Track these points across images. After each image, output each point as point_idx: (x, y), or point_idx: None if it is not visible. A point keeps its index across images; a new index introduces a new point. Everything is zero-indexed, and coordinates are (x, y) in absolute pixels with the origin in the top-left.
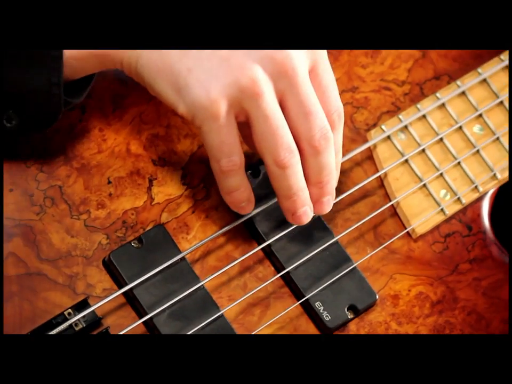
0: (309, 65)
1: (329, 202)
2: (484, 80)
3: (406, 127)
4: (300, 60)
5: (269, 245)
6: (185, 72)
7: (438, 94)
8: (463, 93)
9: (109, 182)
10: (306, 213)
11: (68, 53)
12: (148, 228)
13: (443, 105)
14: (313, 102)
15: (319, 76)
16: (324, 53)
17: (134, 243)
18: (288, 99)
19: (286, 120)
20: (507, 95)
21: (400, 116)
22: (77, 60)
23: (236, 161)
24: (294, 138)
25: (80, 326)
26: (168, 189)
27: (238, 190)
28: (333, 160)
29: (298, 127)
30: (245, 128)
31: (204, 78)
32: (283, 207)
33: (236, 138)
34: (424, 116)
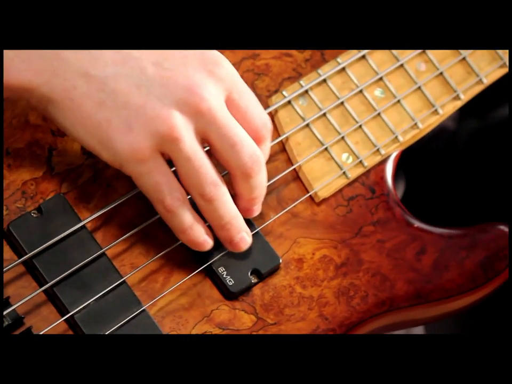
0: (224, 95)
1: (259, 208)
2: None
3: (306, 92)
4: (213, 96)
5: None
6: (104, 124)
7: (338, 59)
8: (364, 57)
9: (8, 153)
10: (243, 239)
11: None
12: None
13: (343, 69)
14: (235, 132)
15: (236, 101)
16: (234, 75)
17: (33, 213)
18: (210, 135)
19: (214, 153)
20: (407, 58)
21: (301, 82)
22: None
23: (179, 196)
24: (225, 167)
25: None
26: (68, 158)
27: (190, 227)
28: (265, 178)
29: (227, 158)
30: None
31: (123, 128)
32: (219, 237)
33: (170, 174)
34: (324, 81)
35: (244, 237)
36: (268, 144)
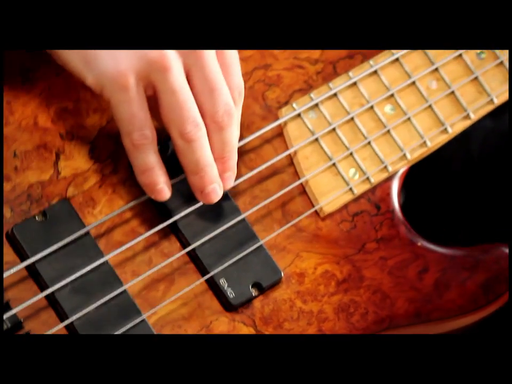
0: None
1: (231, 178)
2: (397, 60)
3: (317, 105)
4: None
5: (175, 221)
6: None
7: (350, 73)
8: (375, 72)
9: (15, 155)
10: (215, 191)
11: None
12: (54, 202)
13: (355, 84)
14: (218, 78)
15: (223, 54)
16: None
17: (37, 217)
18: (195, 75)
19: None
20: (419, 75)
21: (311, 95)
22: None
23: (148, 134)
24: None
25: None
26: (75, 163)
27: (152, 169)
28: (235, 136)
29: (203, 103)
30: (152, 102)
31: (113, 50)
32: (192, 184)
33: (147, 111)
34: (335, 95)
35: (215, 188)
36: (239, 112)
